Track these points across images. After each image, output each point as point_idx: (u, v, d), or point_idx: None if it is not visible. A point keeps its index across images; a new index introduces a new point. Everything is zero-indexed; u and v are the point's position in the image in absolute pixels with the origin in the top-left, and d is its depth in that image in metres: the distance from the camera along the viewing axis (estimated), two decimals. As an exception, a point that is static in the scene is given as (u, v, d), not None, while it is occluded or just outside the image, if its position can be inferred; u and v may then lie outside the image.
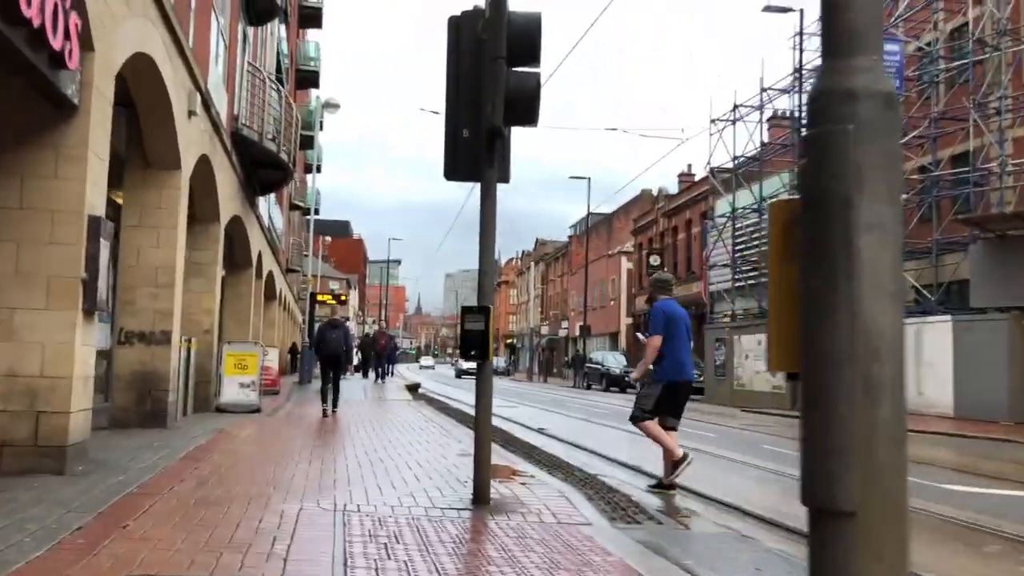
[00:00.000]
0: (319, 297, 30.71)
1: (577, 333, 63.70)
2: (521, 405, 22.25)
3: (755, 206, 27.49)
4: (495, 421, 16.59)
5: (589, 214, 45.28)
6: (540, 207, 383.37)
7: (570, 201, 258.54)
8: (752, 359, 25.39)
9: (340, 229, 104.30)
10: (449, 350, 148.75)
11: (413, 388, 26.09)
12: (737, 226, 29.26)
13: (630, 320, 52.17)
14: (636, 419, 7.69)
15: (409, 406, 17.36)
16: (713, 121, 28.31)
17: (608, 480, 8.06)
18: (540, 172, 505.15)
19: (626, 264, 54.87)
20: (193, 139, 11.19)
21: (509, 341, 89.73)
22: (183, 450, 8.19)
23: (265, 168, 18.40)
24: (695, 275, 41.26)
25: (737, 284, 28.98)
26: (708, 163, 28.65)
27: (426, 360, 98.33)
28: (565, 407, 22.61)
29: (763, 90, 26.18)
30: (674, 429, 7.67)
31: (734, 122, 28.18)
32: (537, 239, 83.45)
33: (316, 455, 8.39)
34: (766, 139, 30.42)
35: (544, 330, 69.55)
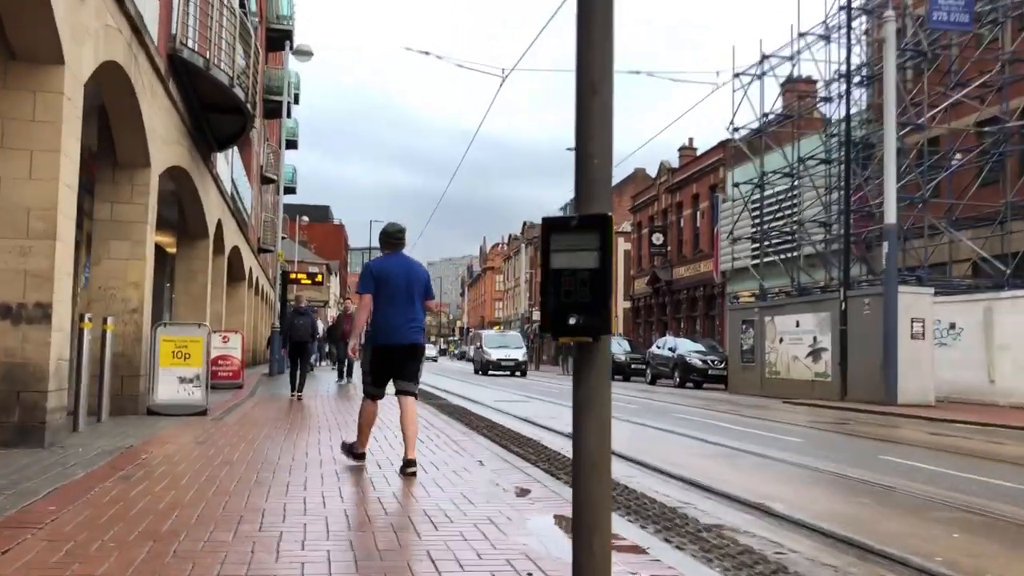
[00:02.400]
0: (293, 276, 27.14)
1: (500, 329, 60.85)
2: (531, 399, 18.94)
3: (787, 169, 24.24)
4: (507, 421, 13.35)
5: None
6: (527, 192, 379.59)
7: (558, 186, 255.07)
8: (788, 342, 22.22)
9: (320, 214, 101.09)
10: (432, 338, 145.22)
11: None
12: (764, 194, 26.00)
13: (628, 304, 49.00)
14: (365, 395, 6.89)
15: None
16: (737, 75, 25.02)
17: (751, 541, 4.86)
18: (527, 156, 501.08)
19: (623, 245, 51.63)
20: (89, 30, 7.78)
21: (496, 328, 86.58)
22: (15, 505, 4.79)
23: (219, 113, 14.95)
24: (703, 253, 38.11)
25: (766, 259, 25.73)
26: (731, 122, 25.35)
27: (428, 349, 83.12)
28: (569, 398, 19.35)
29: (801, 35, 22.83)
30: (410, 394, 6.67)
31: (761, 76, 24.87)
32: (525, 222, 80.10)
33: (269, 507, 5.07)
34: (780, 106, 27.21)
35: (535, 316, 66.25)
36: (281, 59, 36.53)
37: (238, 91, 13.90)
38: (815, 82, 28.18)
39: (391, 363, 6.65)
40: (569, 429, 3.06)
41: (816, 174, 23.45)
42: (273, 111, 35.18)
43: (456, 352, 72.26)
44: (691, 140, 47.45)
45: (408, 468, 6.28)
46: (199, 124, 14.65)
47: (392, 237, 6.94)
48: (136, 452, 7.08)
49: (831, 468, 8.22)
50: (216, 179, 18.15)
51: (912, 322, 18.06)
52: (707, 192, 38.08)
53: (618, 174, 77.89)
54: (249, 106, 14.92)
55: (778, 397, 21.64)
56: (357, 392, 18.37)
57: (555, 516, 4.85)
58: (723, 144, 36.74)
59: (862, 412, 16.56)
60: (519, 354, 35.94)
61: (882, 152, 21.93)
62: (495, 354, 35.90)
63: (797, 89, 28.62)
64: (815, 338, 21.06)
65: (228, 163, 21.31)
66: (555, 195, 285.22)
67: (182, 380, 11.13)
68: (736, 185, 25.59)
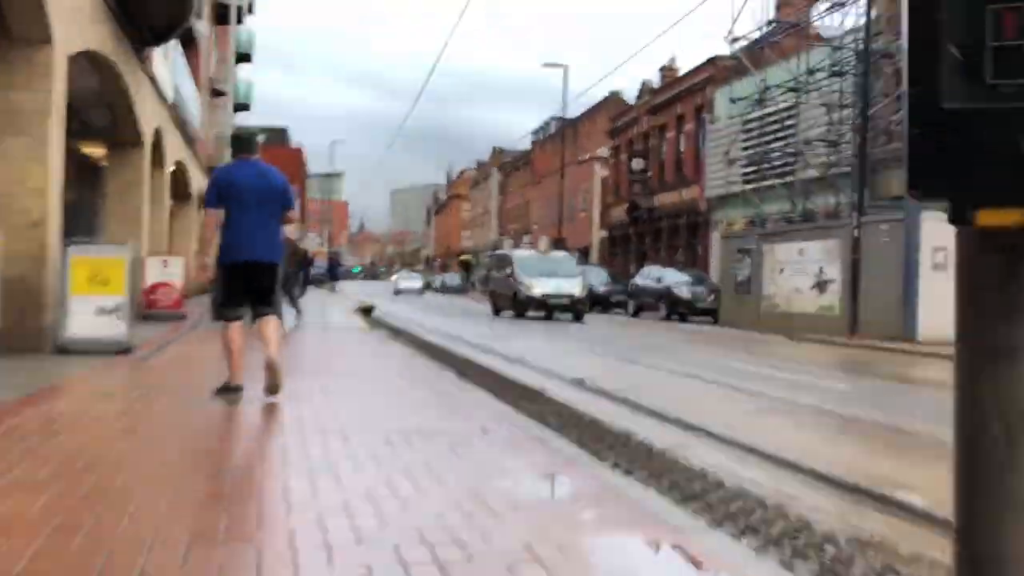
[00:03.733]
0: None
1: (543, 248, 58.61)
2: (517, 337, 17.06)
3: (791, 82, 22.19)
4: (493, 361, 11.39)
5: (565, 107, 39.56)
6: (494, 119, 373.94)
7: (526, 111, 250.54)
8: (790, 273, 20.51)
9: (276, 136, 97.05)
10: (396, 267, 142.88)
11: (366, 311, 20.72)
12: (760, 113, 23.97)
13: (604, 233, 47.15)
14: (217, 319, 6.20)
15: (369, 338, 12.08)
16: (738, -21, 22.70)
17: None
18: (493, 82, 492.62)
19: (600, 172, 49.54)
20: None
21: (463, 258, 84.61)
22: None
23: (149, -7, 12.52)
24: (687, 179, 36.16)
25: (765, 183, 23.83)
26: (730, 31, 23.13)
27: (406, 278, 59.98)
28: (569, 336, 17.55)
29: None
30: (268, 315, 5.98)
31: (762, -19, 22.59)
32: (495, 147, 77.47)
33: (176, 529, 3.11)
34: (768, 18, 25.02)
35: (506, 245, 64.28)
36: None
37: (170, -38, 11.49)
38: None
39: (241, 283, 5.97)
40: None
41: (823, 89, 21.45)
42: (224, 17, 32.29)
43: (438, 285, 68.52)
44: (673, 59, 45.09)
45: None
46: (125, 7, 12.20)
47: (242, 141, 6.34)
48: (4, 413, 5.04)
49: (933, 430, 6.44)
50: (153, 81, 15.71)
51: (934, 251, 16.37)
52: (693, 113, 35.93)
53: (591, 98, 75.31)
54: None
55: (776, 331, 20.01)
56: (328, 318, 16.64)
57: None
58: (711, 61, 34.50)
59: (885, 350, 14.97)
60: (574, 286, 23.50)
61: (896, 64, 20.00)
62: (539, 286, 23.27)
63: (790, 3, 26.47)
64: (821, 268, 19.36)
65: (168, 64, 18.74)
66: (523, 120, 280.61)
67: (100, 311, 9.04)
68: (734, 101, 23.52)
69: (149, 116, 15.53)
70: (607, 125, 49.85)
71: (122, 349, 8.92)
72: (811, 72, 21.14)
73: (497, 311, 25.86)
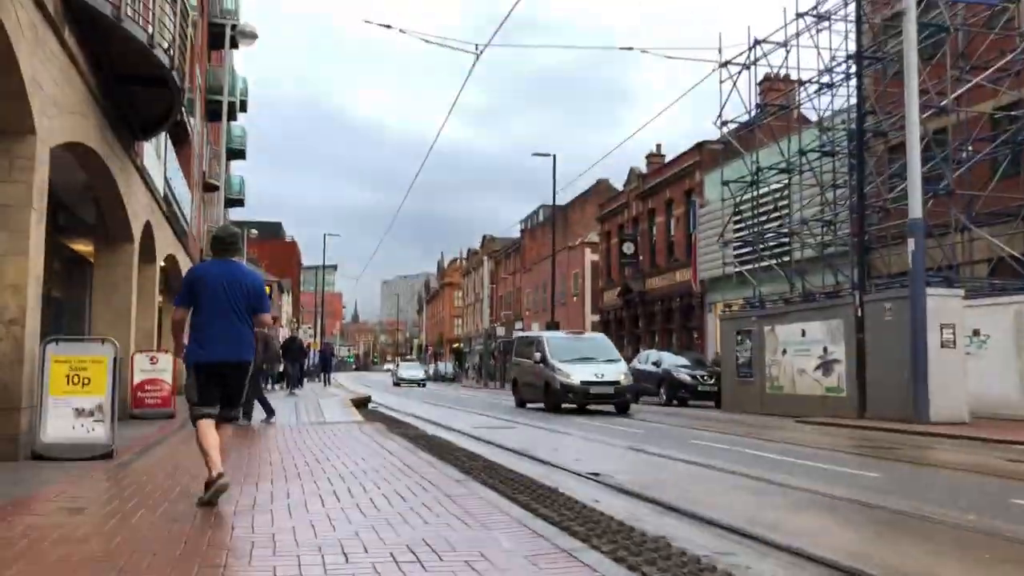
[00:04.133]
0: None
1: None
2: (518, 424, 16.46)
3: (782, 164, 22.17)
4: (493, 453, 10.81)
5: (555, 194, 39.70)
6: (483, 208, 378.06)
7: (515, 200, 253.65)
8: (793, 354, 20.06)
9: (271, 230, 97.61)
10: (388, 357, 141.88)
11: (361, 403, 20.08)
12: (753, 195, 23.91)
13: (596, 317, 46.82)
14: (193, 419, 5.97)
15: (363, 434, 11.49)
16: (725, 64, 22.96)
17: None
18: (482, 171, 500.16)
19: (590, 256, 49.58)
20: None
21: (456, 346, 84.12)
22: None
23: (139, 85, 12.35)
24: (679, 261, 36.08)
25: (762, 264, 23.59)
26: (719, 116, 23.22)
27: (410, 367, 56.82)
28: (575, 426, 16.96)
29: (799, 15, 20.76)
30: (228, 420, 6.08)
31: (754, 63, 22.83)
32: (485, 236, 77.80)
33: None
34: (757, 102, 25.30)
35: (500, 332, 63.88)
36: (223, 58, 33.78)
37: (160, 54, 11.33)
38: (793, 81, 26.44)
39: (212, 382, 5.97)
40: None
41: (816, 169, 21.44)
42: (216, 113, 32.49)
43: (431, 373, 67.60)
44: (659, 146, 45.63)
45: (214, 487, 5.54)
46: (113, 96, 12.02)
47: (220, 241, 6.30)
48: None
49: (996, 526, 5.90)
50: (143, 173, 15.49)
51: (942, 328, 16.01)
52: (682, 197, 36.10)
53: (581, 185, 76.01)
54: (176, 76, 12.33)
55: (782, 415, 19.47)
56: (323, 411, 15.77)
57: None
58: (699, 146, 34.90)
59: (899, 432, 14.41)
60: (618, 372, 20.60)
61: (888, 143, 20.05)
62: (577, 373, 20.25)
63: (776, 88, 26.81)
64: (825, 348, 18.94)
65: (160, 158, 18.60)
66: (512, 211, 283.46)
67: (79, 412, 8.53)
68: (726, 183, 23.49)
69: (139, 210, 15.26)
70: (596, 212, 50.10)
71: (103, 453, 8.37)
72: (802, 153, 21.13)
73: (522, 403, 23.07)
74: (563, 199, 59.23)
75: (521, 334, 34.60)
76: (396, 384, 50.89)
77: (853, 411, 17.57)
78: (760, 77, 23.57)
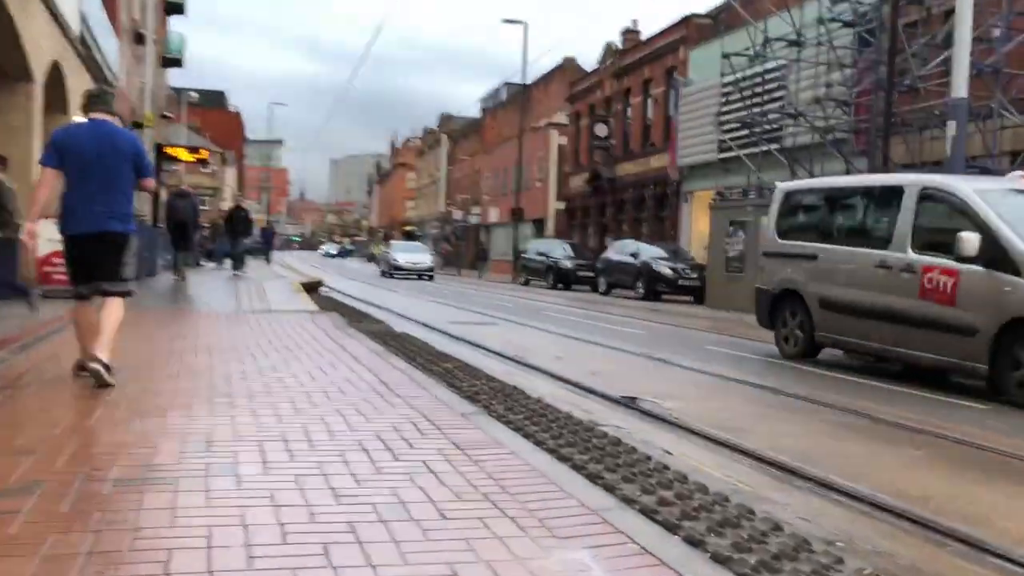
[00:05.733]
0: (169, 151, 21.17)
1: (491, 220, 55.82)
2: (492, 321, 14.41)
3: (792, 35, 19.73)
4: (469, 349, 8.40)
5: (525, 65, 36.78)
6: (437, 88, 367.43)
7: (470, 81, 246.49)
8: (795, 249, 18.13)
9: (214, 99, 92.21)
10: (336, 237, 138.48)
11: (312, 288, 17.80)
12: (755, 71, 21.50)
13: (562, 204, 44.58)
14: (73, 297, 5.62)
15: (318, 328, 9.29)
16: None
17: None
18: (436, 50, 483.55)
19: (557, 139, 46.86)
20: None
21: (408, 229, 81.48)
22: None
23: None
24: (655, 146, 33.77)
25: (761, 149, 21.39)
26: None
27: (410, 249, 38.65)
28: (546, 319, 15.02)
29: None
30: (120, 294, 5.52)
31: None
32: (442, 114, 74.13)
33: None
34: None
35: (455, 215, 61.43)
36: None
37: None
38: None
39: (84, 256, 5.43)
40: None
41: (828, 44, 19.05)
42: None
43: (366, 253, 65.83)
44: (635, 22, 42.53)
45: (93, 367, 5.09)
46: None
47: (93, 97, 5.64)
48: None
49: None
50: (49, 4, 12.54)
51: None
52: (663, 76, 33.44)
53: (544, 67, 72.22)
54: None
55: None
56: (267, 296, 13.39)
57: None
58: (685, 20, 32.09)
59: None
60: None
61: (928, 10, 17.70)
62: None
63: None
64: (835, 243, 17.05)
65: (72, -10, 15.50)
66: (468, 90, 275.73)
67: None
68: (726, 56, 20.97)
69: (41, 43, 12.42)
70: (562, 92, 47.16)
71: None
72: (821, 21, 18.65)
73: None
74: (527, 79, 55.93)
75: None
76: (387, 275, 34.46)
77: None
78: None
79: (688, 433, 5.32)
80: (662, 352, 9.78)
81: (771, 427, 5.82)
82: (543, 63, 65.09)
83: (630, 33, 42.07)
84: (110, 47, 21.12)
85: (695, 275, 22.79)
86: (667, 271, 23.10)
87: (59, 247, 11.94)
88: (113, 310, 5.42)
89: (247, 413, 4.64)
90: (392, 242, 40.90)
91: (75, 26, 15.54)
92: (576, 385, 6.98)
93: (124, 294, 5.56)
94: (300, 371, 6.18)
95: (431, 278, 33.48)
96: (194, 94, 52.40)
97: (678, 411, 5.93)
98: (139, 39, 29.53)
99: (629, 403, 6.19)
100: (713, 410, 6.24)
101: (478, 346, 9.67)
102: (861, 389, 7.85)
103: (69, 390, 5.21)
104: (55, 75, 13.84)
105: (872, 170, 16.55)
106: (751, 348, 11.19)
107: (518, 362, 8.36)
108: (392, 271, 33.79)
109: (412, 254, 35.35)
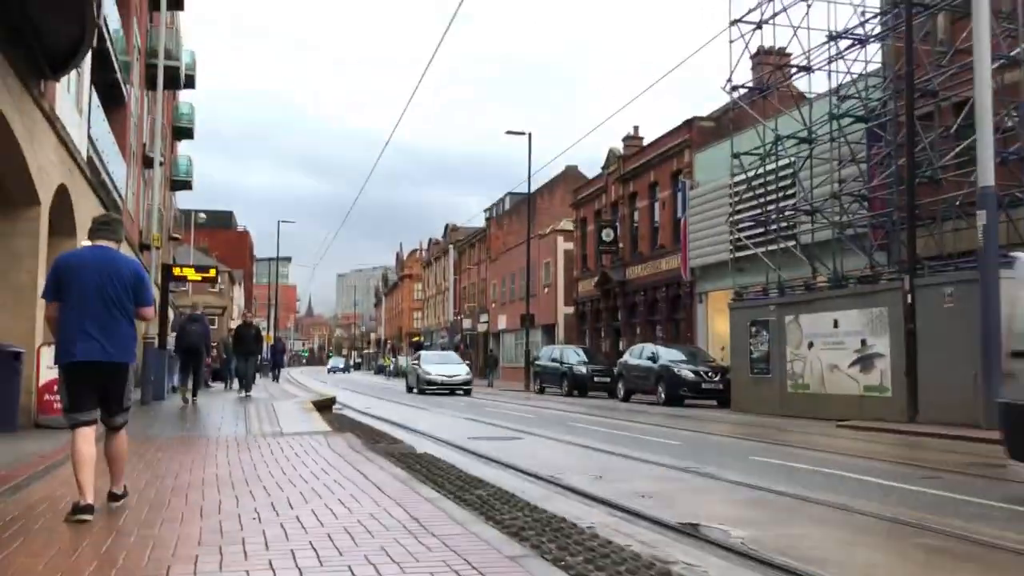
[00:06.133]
0: (177, 272, 20.88)
1: (500, 327, 55.39)
2: (515, 435, 13.70)
3: (803, 133, 19.66)
4: (498, 474, 7.34)
5: (530, 174, 37.02)
6: (440, 200, 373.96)
7: (473, 193, 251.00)
8: (822, 347, 17.58)
9: (222, 220, 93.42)
10: (344, 351, 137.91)
11: (325, 406, 17.13)
12: (766, 169, 21.37)
13: (571, 309, 44.19)
14: (71, 426, 5.38)
15: (335, 454, 8.62)
16: (735, 22, 20.40)
17: None
18: (437, 164, 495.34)
19: (563, 244, 46.91)
20: None
21: (416, 339, 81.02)
22: None
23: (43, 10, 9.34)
24: (665, 248, 33.55)
25: (768, 246, 21.01)
26: (729, 80, 20.64)
27: (440, 360, 33.13)
28: (571, 430, 14.31)
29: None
30: (115, 428, 5.46)
31: (760, 25, 20.34)
32: (448, 225, 74.77)
33: None
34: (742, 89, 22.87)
35: (466, 324, 61.05)
36: (165, 20, 30.34)
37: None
38: (789, 54, 24.10)
39: (84, 385, 5.32)
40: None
41: (840, 139, 18.93)
42: (154, 80, 29.09)
43: (377, 366, 65.05)
44: (636, 128, 43.09)
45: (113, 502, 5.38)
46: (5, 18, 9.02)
47: (101, 224, 5.55)
48: None
49: None
50: (53, 121, 12.39)
51: (1017, 317, 13.55)
52: (668, 180, 33.55)
53: (547, 174, 73.32)
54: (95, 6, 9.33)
55: (807, 417, 17.05)
56: (280, 419, 12.48)
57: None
58: (688, 123, 32.38)
59: (966, 439, 12.11)
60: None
61: (943, 101, 17.57)
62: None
63: (769, 62, 24.38)
64: (864, 341, 16.49)
65: (82, 113, 15.51)
66: (471, 202, 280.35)
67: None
68: (736, 155, 20.88)
69: (48, 168, 12.21)
70: (566, 199, 47.48)
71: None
72: (833, 117, 18.58)
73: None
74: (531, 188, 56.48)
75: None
76: (416, 391, 30.49)
77: (901, 414, 15.14)
78: (779, 36, 20.99)
79: (771, 569, 4.61)
80: (707, 466, 9.04)
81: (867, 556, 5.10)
82: (546, 173, 66.30)
83: (632, 139, 42.60)
84: (118, 171, 21.15)
85: (717, 378, 22.08)
86: (689, 375, 22.40)
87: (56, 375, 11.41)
88: (119, 443, 5.50)
89: (263, 567, 3.99)
90: (421, 352, 35.54)
91: (83, 149, 15.47)
92: (625, 511, 6.27)
93: (122, 426, 5.54)
94: (320, 507, 5.52)
95: (467, 392, 29.34)
96: (202, 215, 52.88)
97: (751, 540, 5.23)
98: (148, 162, 29.82)
99: (692, 531, 5.49)
100: (794, 537, 5.51)
101: (508, 466, 8.98)
102: None
103: (58, 543, 4.56)
104: (63, 199, 13.62)
105: (894, 264, 16.15)
106: (796, 456, 10.45)
107: (556, 483, 7.66)
108: (423, 387, 29.56)
109: (445, 366, 31.04)
